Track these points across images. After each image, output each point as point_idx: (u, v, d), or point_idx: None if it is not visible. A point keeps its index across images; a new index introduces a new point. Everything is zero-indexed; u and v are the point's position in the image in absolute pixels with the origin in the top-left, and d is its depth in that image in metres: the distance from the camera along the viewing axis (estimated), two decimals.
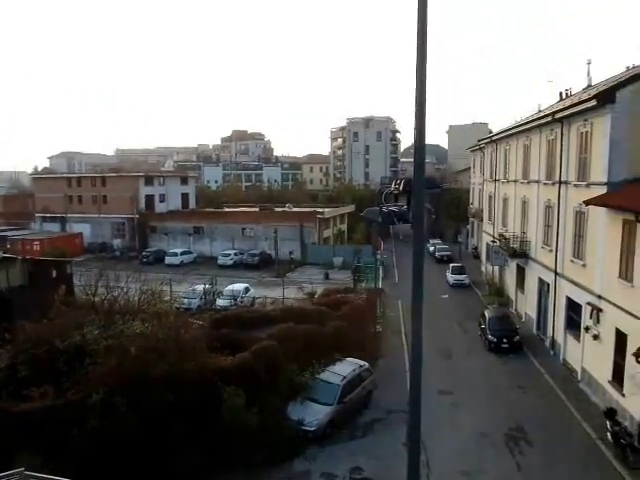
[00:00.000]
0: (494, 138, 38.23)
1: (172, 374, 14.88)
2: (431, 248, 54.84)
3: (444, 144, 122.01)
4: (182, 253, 53.96)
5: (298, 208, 63.62)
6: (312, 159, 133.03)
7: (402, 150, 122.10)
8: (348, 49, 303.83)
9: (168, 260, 52.34)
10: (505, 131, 34.88)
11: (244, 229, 56.74)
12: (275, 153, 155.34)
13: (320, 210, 58.33)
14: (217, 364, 16.71)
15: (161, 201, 64.35)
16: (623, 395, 17.43)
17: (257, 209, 64.13)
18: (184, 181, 70.65)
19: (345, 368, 19.48)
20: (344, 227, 64.45)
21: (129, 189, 60.81)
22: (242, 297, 32.08)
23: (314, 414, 17.40)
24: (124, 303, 19.72)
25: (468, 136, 76.96)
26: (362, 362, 20.36)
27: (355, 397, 18.93)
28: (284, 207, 64.59)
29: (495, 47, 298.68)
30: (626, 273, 17.15)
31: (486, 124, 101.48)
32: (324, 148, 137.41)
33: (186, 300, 30.60)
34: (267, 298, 30.87)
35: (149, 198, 62.74)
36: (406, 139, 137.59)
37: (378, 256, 39.12)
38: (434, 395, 20.69)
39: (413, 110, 4.90)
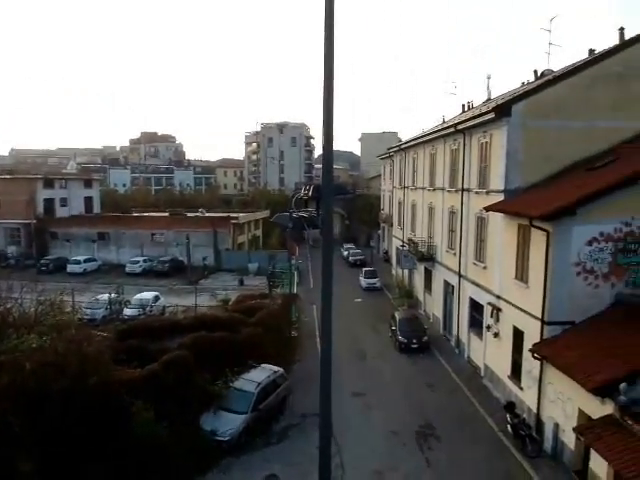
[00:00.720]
0: (402, 147, 39.74)
1: (74, 389, 13.93)
2: (345, 253, 55.87)
3: (357, 151, 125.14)
4: (85, 261, 50.84)
5: (211, 213, 62.31)
6: (226, 163, 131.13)
7: (316, 156, 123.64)
8: (263, 53, 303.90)
9: (70, 268, 49.10)
10: (412, 140, 36.38)
11: (154, 235, 54.59)
12: (187, 156, 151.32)
13: (234, 215, 57.51)
14: (124, 377, 15.89)
15: (62, 205, 60.26)
16: (521, 389, 18.64)
17: (168, 214, 61.98)
18: (88, 184, 66.72)
19: (260, 375, 19.27)
20: (259, 232, 64.02)
21: (25, 192, 56.29)
22: (151, 306, 30.81)
23: (228, 424, 17.04)
24: (19, 315, 18.18)
25: (380, 144, 79.47)
26: (277, 368, 20.25)
27: (270, 404, 18.77)
28: (197, 212, 62.99)
29: (406, 59, 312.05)
30: (522, 275, 18.42)
31: (396, 133, 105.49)
32: (238, 152, 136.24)
33: (89, 310, 28.98)
34: (178, 306, 29.91)
35: (49, 202, 58.53)
36: (320, 145, 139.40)
37: (293, 261, 39.23)
38: (348, 397, 21.06)
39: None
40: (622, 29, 21.25)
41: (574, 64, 22.21)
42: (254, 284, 41.68)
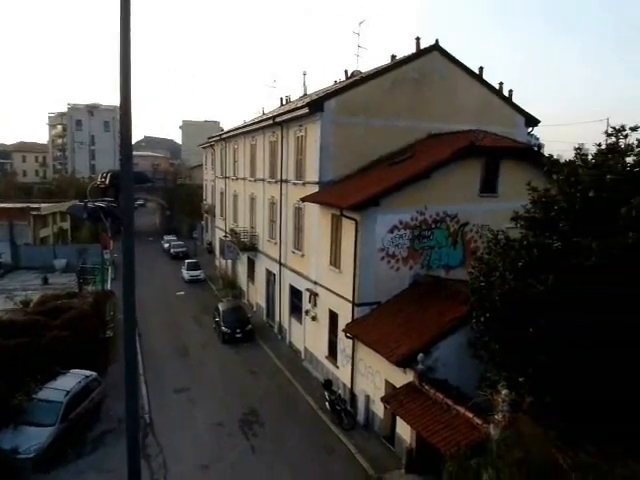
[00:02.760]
0: (223, 136, 39.41)
1: None
2: (166, 245, 53.71)
3: (179, 139, 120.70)
4: None
5: (7, 204, 54.57)
6: (25, 147, 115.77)
7: (134, 142, 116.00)
8: (66, 28, 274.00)
9: None
10: (233, 130, 36.29)
11: None
12: None
13: (36, 206, 51.15)
14: None
15: None
16: (337, 367, 20.01)
17: None
18: None
19: (69, 382, 17.58)
20: (67, 225, 58.03)
21: None
22: None
23: (32, 439, 15.23)
24: None
25: (201, 132, 77.77)
26: (89, 372, 18.70)
27: (82, 411, 17.27)
28: None
29: (229, 50, 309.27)
30: (335, 261, 19.69)
31: (218, 122, 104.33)
32: (41, 135, 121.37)
33: None
34: None
35: None
36: (137, 132, 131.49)
37: (107, 256, 36.36)
38: (170, 394, 20.42)
39: (140, 101, 4.62)
40: (418, 39, 23.67)
41: (378, 67, 24.22)
42: (61, 282, 37.70)
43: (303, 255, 23.37)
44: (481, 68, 24.63)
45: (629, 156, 11.63)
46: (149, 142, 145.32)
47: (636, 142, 11.55)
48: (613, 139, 11.86)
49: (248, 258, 32.68)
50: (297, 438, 17.28)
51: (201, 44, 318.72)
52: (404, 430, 15.12)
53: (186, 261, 42.75)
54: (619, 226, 10.37)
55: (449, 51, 23.07)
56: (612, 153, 11.61)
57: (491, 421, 11.49)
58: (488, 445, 11.16)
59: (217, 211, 44.45)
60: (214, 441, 17.19)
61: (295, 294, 24.90)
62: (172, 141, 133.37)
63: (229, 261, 37.05)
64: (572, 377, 10.53)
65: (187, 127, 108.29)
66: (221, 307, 28.13)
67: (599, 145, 12.10)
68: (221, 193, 41.78)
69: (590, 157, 12.04)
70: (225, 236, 37.58)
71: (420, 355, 14.63)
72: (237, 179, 35.33)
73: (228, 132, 38.36)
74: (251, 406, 19.52)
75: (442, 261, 19.10)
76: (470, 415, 12.50)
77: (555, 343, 10.59)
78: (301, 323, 23.88)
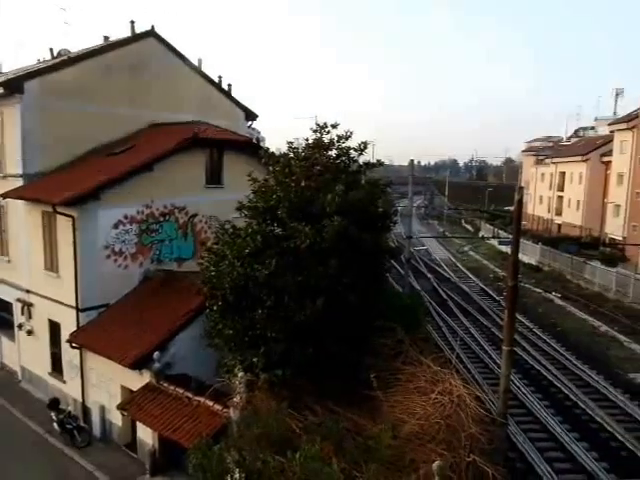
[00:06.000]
0: None
1: None
2: None
3: None
4: None
5: None
6: None
7: None
8: None
9: None
10: None
11: None
12: None
13: None
14: None
15: None
16: (64, 382, 18.05)
17: None
18: None
19: None
20: None
21: None
22: None
23: None
24: None
25: None
26: None
27: None
28: None
29: None
30: (52, 264, 17.60)
31: None
32: None
33: None
34: None
35: None
36: None
37: None
38: None
39: None
40: (132, 22, 22.26)
41: (91, 48, 22.15)
42: None
43: (10, 261, 20.21)
44: (200, 60, 24.79)
45: (331, 150, 13.32)
46: None
47: (336, 137, 13.31)
48: (318, 135, 13.40)
49: None
50: (20, 472, 14.94)
51: None
52: (146, 434, 14.51)
53: None
54: (327, 211, 11.79)
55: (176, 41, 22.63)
56: (317, 147, 13.09)
57: (231, 405, 11.89)
58: (229, 428, 11.53)
59: None
60: None
61: (3, 307, 21.39)
62: None
63: None
64: (295, 348, 11.66)
65: None
66: None
67: (307, 140, 13.50)
68: None
69: (301, 150, 13.35)
70: None
71: (156, 353, 14.23)
72: None
73: None
74: None
75: (174, 254, 18.84)
76: (210, 403, 12.74)
77: (280, 320, 11.54)
78: (14, 340, 20.72)
